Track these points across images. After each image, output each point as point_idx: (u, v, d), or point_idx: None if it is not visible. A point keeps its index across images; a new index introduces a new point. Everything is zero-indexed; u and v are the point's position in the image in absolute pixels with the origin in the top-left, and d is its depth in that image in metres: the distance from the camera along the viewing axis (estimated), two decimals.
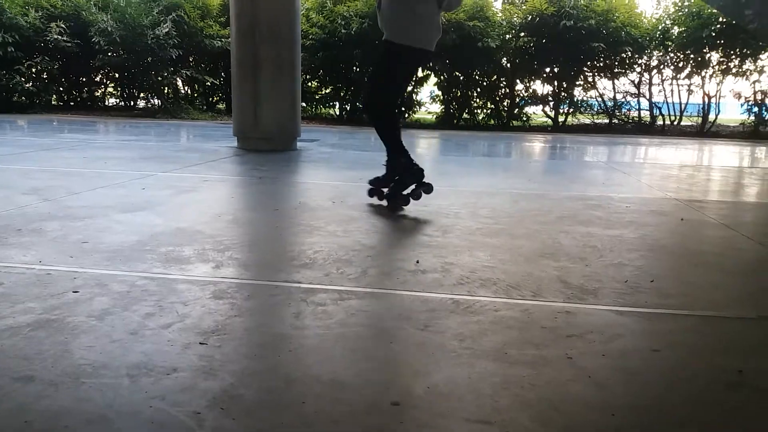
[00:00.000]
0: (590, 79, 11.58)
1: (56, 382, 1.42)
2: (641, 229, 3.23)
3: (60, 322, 1.76)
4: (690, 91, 11.38)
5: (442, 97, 11.71)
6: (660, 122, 11.62)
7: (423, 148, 7.72)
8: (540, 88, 11.73)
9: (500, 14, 11.26)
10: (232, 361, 1.57)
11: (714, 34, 10.50)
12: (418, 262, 2.48)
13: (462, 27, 10.22)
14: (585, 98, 11.84)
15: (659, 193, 4.53)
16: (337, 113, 12.32)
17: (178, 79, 11.84)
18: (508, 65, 11.45)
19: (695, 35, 10.56)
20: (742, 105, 11.37)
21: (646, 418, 1.38)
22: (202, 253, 2.52)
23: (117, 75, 12.70)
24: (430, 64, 10.51)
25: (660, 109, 11.62)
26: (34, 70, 11.67)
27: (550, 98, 11.74)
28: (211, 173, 4.85)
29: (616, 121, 11.74)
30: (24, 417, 1.28)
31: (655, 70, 11.43)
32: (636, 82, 11.52)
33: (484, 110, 11.92)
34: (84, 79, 12.93)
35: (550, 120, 11.89)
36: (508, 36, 11.14)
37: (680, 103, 11.52)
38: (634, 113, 11.86)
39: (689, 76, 11.22)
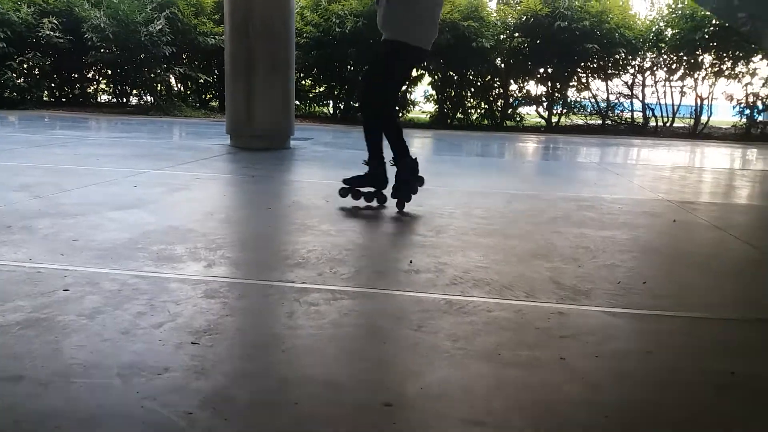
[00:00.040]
0: (584, 80, 11.62)
1: (46, 381, 1.41)
2: (634, 231, 3.24)
3: (50, 320, 1.75)
4: (683, 93, 11.43)
5: (436, 97, 11.71)
6: (653, 124, 11.67)
7: (417, 147, 7.72)
8: (534, 88, 11.76)
9: (495, 14, 11.27)
10: (225, 361, 1.56)
11: (707, 37, 10.55)
12: (411, 261, 2.48)
13: (456, 27, 10.22)
14: (578, 99, 11.87)
15: (651, 194, 4.54)
16: (331, 112, 12.30)
17: (171, 76, 11.77)
18: (502, 65, 11.46)
19: (688, 37, 10.62)
20: (734, 107, 11.44)
21: (639, 419, 1.38)
22: (194, 251, 2.50)
23: (109, 71, 12.61)
24: (424, 64, 10.50)
25: (653, 110, 11.67)
26: (25, 66, 11.57)
27: (544, 99, 11.76)
28: (204, 171, 4.82)
29: (609, 122, 11.77)
30: (13, 417, 1.27)
31: (648, 72, 11.48)
32: (629, 83, 11.57)
33: (478, 110, 11.92)
34: (76, 76, 12.84)
35: (543, 120, 11.91)
36: (502, 36, 11.15)
37: (673, 105, 11.58)
38: (627, 114, 11.90)
39: (682, 78, 11.28)
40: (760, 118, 11.72)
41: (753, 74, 10.98)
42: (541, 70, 11.44)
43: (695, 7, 10.44)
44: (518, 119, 11.90)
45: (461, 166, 6.10)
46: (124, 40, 10.86)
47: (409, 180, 3.55)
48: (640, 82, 11.51)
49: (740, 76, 11.00)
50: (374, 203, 3.61)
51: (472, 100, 11.90)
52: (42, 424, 1.25)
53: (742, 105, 11.27)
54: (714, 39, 10.58)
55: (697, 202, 4.31)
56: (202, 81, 12.11)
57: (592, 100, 11.80)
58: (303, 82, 11.79)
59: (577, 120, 12.13)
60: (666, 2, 11.18)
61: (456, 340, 1.73)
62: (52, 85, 12.76)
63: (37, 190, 3.66)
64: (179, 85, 12.70)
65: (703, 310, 2.11)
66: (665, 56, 11.22)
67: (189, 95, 12.76)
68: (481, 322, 1.87)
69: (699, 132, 11.33)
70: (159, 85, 12.06)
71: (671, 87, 11.43)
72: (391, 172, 3.57)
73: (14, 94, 11.36)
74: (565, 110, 11.89)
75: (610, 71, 11.42)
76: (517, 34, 11.14)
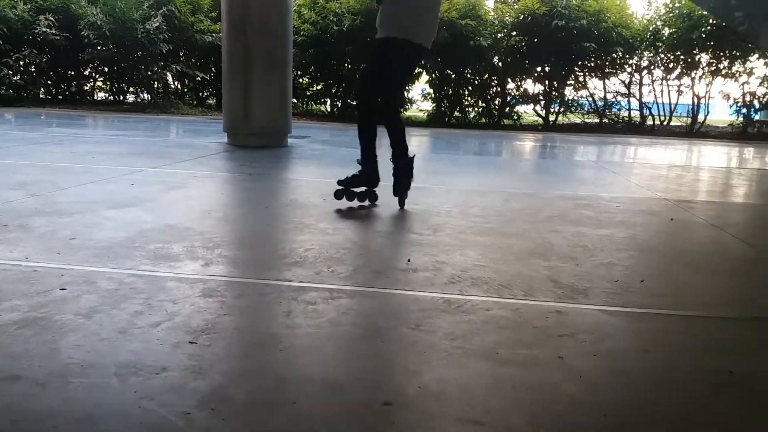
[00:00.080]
0: (581, 78, 11.62)
1: (43, 381, 1.40)
2: (631, 229, 3.25)
3: (47, 320, 1.74)
4: (680, 92, 11.45)
5: (433, 95, 11.71)
6: (650, 122, 11.69)
7: (414, 145, 7.69)
8: (531, 87, 11.76)
9: (492, 13, 11.27)
10: (222, 360, 1.56)
11: (704, 36, 10.57)
12: (409, 260, 2.48)
13: (454, 25, 10.22)
14: (576, 98, 11.88)
15: (649, 192, 4.55)
16: (329, 110, 12.28)
17: (168, 73, 11.74)
18: (500, 64, 11.46)
19: (685, 36, 10.63)
20: (731, 106, 11.46)
21: (636, 418, 1.38)
22: (191, 250, 2.50)
23: (106, 69, 12.56)
24: (422, 62, 10.50)
25: (650, 109, 11.68)
26: (22, 63, 11.52)
27: (541, 97, 11.77)
28: (201, 169, 4.81)
29: (606, 120, 11.78)
30: (10, 417, 1.26)
31: (645, 71, 11.49)
32: (626, 82, 11.57)
33: (476, 109, 11.92)
34: (72, 73, 12.79)
35: (540, 119, 11.92)
36: (500, 35, 11.15)
37: (670, 104, 11.59)
38: (624, 113, 11.92)
39: (679, 77, 11.29)
40: (757, 117, 11.75)
41: (750, 73, 11.01)
42: (539, 69, 11.44)
43: (692, 7, 10.45)
44: (516, 118, 11.90)
45: (458, 164, 6.10)
46: (120, 37, 10.83)
47: (405, 179, 3.56)
48: (638, 81, 11.52)
49: (737, 75, 11.02)
50: (366, 202, 3.60)
51: (469, 98, 11.90)
52: (39, 424, 1.25)
53: (738, 104, 11.29)
54: (711, 38, 10.60)
55: (695, 201, 4.32)
56: (199, 79, 12.08)
57: (590, 99, 11.81)
58: (300, 80, 11.77)
59: (575, 119, 12.14)
60: (663, 1, 11.20)
61: (454, 339, 1.73)
62: (49, 82, 12.71)
63: (33, 188, 3.64)
64: (176, 83, 12.66)
65: (700, 309, 2.11)
66: (662, 55, 11.24)
67: (186, 93, 12.73)
68: (479, 321, 1.87)
69: (696, 131, 11.35)
70: (156, 82, 12.02)
71: (668, 86, 11.46)
72: (387, 171, 3.57)
73: (10, 91, 11.32)
74: (562, 109, 11.89)
75: (607, 70, 11.43)
76: (514, 33, 11.14)
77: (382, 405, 1.37)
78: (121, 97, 12.98)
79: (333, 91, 12.01)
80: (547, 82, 11.58)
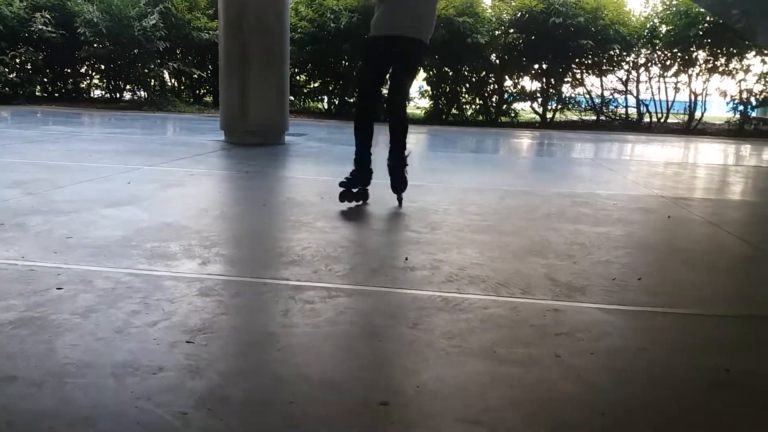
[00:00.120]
0: (578, 76, 11.63)
1: (39, 381, 1.40)
2: (628, 227, 3.25)
3: (43, 319, 1.73)
4: (677, 89, 11.47)
5: (430, 93, 11.70)
6: (647, 119, 11.71)
7: (411, 143, 7.69)
8: (528, 84, 11.78)
9: (490, 10, 11.27)
10: (219, 360, 1.56)
11: (701, 33, 10.58)
12: (407, 259, 2.47)
13: (452, 23, 10.21)
14: (573, 95, 11.90)
15: (646, 190, 4.55)
16: (326, 107, 12.27)
17: (164, 71, 11.71)
18: (497, 61, 11.46)
19: (683, 34, 10.64)
20: (727, 103, 11.48)
21: (634, 416, 1.39)
22: (188, 249, 2.49)
23: (103, 66, 12.54)
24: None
25: (647, 106, 11.70)
26: (18, 60, 11.49)
27: (539, 95, 11.77)
28: (198, 167, 4.80)
29: (603, 118, 11.80)
30: (7, 417, 1.26)
31: (642, 68, 11.50)
32: (623, 79, 11.59)
33: (473, 106, 11.93)
34: (69, 71, 12.76)
35: (538, 116, 11.93)
36: (497, 32, 11.15)
37: (667, 101, 11.61)
38: (621, 110, 11.94)
39: (676, 74, 11.32)
40: (754, 114, 11.78)
41: (747, 71, 11.04)
42: (536, 66, 11.45)
43: (690, 4, 10.46)
44: (513, 115, 11.91)
45: (456, 162, 6.09)
46: (117, 35, 10.80)
47: (404, 176, 3.56)
48: (635, 78, 11.55)
49: (734, 72, 11.05)
50: (360, 201, 3.59)
51: (466, 95, 11.90)
52: (36, 424, 1.24)
53: (735, 101, 11.32)
54: (708, 35, 10.61)
55: (691, 198, 4.32)
56: (195, 76, 12.05)
57: (587, 96, 11.83)
58: (297, 77, 11.76)
59: (572, 116, 12.15)
60: None
61: (452, 337, 1.73)
62: (45, 80, 12.68)
63: (29, 186, 3.63)
64: (173, 81, 12.64)
65: (697, 307, 2.12)
66: (659, 52, 11.25)
67: (183, 90, 12.71)
68: (476, 320, 1.87)
69: (693, 128, 11.37)
70: (152, 80, 12.00)
71: (665, 83, 11.48)
72: (380, 169, 3.56)
73: (6, 89, 11.28)
74: (559, 106, 11.91)
75: (604, 67, 11.44)
76: (512, 30, 11.13)
77: (380, 404, 1.37)
78: (118, 95, 12.95)
79: (330, 88, 12.00)
80: (544, 80, 11.58)
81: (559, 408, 1.40)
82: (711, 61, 11.01)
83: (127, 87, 12.83)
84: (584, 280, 2.30)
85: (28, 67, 11.88)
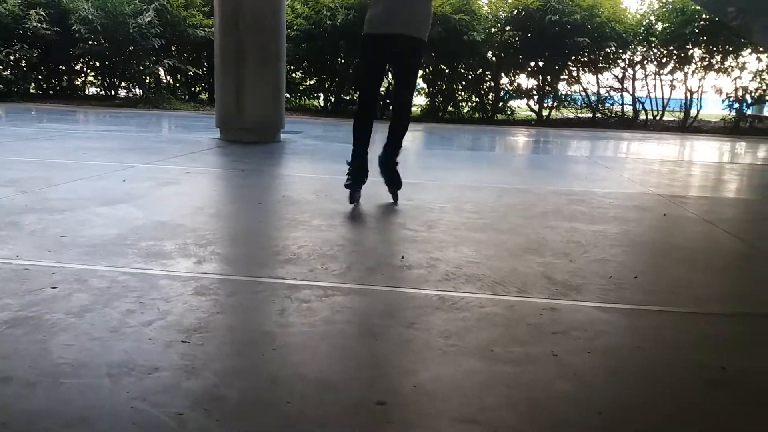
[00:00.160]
0: (574, 73, 11.64)
1: (34, 382, 1.39)
2: (624, 225, 3.25)
3: (38, 319, 1.72)
4: (672, 87, 11.51)
5: (427, 90, 11.70)
6: (642, 117, 11.73)
7: (407, 141, 7.68)
8: (525, 81, 11.78)
9: (486, 8, 11.27)
10: (215, 359, 1.55)
11: (697, 31, 10.61)
12: (403, 257, 2.47)
13: (448, 20, 10.20)
14: (569, 92, 11.91)
15: (642, 188, 4.56)
16: (322, 105, 12.25)
17: (160, 68, 11.67)
18: (494, 59, 11.46)
19: (679, 31, 10.66)
20: (723, 101, 11.53)
21: (631, 415, 1.39)
22: (183, 247, 2.48)
23: (98, 64, 12.48)
24: None
25: (643, 104, 11.73)
26: (12, 57, 11.44)
27: (535, 92, 11.78)
28: (193, 165, 4.79)
29: (599, 115, 11.82)
30: (1, 418, 1.25)
31: (638, 66, 11.52)
32: (619, 77, 11.61)
33: (469, 103, 11.93)
34: (64, 68, 12.70)
35: (534, 114, 11.94)
36: (493, 29, 11.15)
37: (663, 99, 11.64)
38: (617, 108, 11.96)
39: (672, 72, 11.35)
40: (749, 112, 11.81)
41: (742, 68, 11.08)
42: (532, 64, 11.45)
43: (686, 2, 10.49)
44: (509, 113, 11.92)
45: (452, 159, 6.09)
46: (112, 32, 10.75)
47: (398, 175, 3.57)
48: (631, 76, 11.57)
49: (730, 70, 11.09)
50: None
51: (463, 93, 11.91)
52: (30, 425, 1.24)
53: (731, 99, 11.36)
54: (704, 33, 10.64)
55: (687, 196, 4.33)
56: (191, 73, 12.02)
57: (583, 94, 11.84)
58: (293, 74, 11.74)
59: (568, 113, 12.17)
60: None
61: (448, 336, 1.73)
62: (40, 77, 12.62)
63: (24, 184, 3.61)
64: (168, 78, 12.60)
65: (693, 305, 2.12)
66: (655, 50, 11.27)
67: (178, 88, 12.67)
68: (473, 319, 1.87)
69: (688, 125, 11.40)
70: (148, 77, 11.96)
71: (661, 80, 11.51)
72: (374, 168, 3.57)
73: (0, 86, 11.23)
74: (555, 104, 11.92)
75: (600, 65, 11.46)
76: (508, 28, 11.14)
77: (377, 404, 1.37)
78: (113, 92, 12.90)
79: (326, 86, 11.98)
80: (540, 77, 11.59)
81: (556, 407, 1.40)
82: (707, 59, 11.04)
83: (122, 84, 12.78)
84: (580, 278, 2.30)
85: (23, 65, 11.83)
